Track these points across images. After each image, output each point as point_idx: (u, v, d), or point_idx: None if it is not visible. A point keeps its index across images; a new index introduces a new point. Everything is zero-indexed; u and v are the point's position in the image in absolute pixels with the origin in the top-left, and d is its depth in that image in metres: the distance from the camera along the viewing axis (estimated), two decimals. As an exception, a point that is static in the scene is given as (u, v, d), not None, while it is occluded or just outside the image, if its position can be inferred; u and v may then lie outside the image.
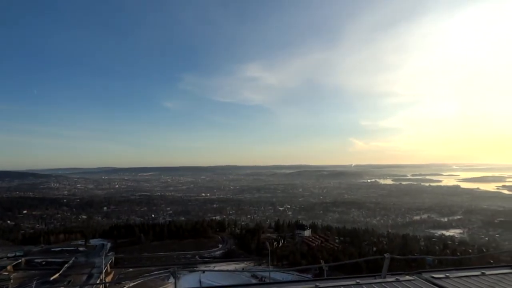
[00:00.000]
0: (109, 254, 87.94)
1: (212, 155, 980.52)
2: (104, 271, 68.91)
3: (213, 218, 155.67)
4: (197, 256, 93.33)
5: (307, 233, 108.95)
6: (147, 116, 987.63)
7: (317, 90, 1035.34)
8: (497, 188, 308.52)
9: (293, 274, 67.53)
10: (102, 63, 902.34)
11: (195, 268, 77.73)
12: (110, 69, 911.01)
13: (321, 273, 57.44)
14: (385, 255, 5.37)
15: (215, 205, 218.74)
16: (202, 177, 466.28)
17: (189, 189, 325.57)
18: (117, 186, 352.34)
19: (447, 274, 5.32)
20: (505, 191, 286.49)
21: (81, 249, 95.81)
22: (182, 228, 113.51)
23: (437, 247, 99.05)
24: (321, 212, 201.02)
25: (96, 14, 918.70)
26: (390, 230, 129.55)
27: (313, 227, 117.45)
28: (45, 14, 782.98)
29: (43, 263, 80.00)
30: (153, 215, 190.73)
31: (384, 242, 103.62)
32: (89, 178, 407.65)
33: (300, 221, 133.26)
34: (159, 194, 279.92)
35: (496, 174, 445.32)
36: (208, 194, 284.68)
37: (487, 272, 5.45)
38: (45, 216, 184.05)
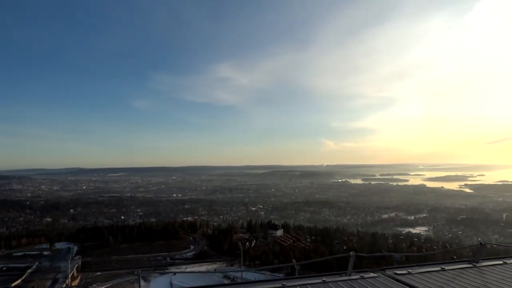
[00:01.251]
0: (75, 258, 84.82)
1: (183, 156, 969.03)
2: (70, 275, 66.37)
3: (185, 219, 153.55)
4: (168, 258, 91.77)
5: (279, 233, 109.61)
6: (117, 116, 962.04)
7: (288, 91, 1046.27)
8: (460, 187, 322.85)
9: (265, 274, 67.66)
10: (68, 60, 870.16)
11: (166, 270, 76.38)
12: (77, 67, 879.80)
13: (293, 272, 57.92)
14: (350, 253, 5.44)
15: (187, 206, 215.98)
16: (174, 177, 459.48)
17: (160, 190, 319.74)
18: (84, 187, 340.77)
19: (409, 270, 5.55)
20: (467, 190, 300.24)
21: (45, 253, 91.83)
22: (152, 229, 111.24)
23: (404, 244, 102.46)
24: (293, 211, 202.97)
25: (63, 11, 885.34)
26: (360, 229, 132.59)
27: (285, 227, 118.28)
28: (9, 10, 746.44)
29: (4, 268, 76.05)
30: (122, 217, 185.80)
31: (354, 241, 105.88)
32: (55, 179, 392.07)
33: (273, 221, 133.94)
34: (129, 195, 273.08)
35: (459, 173, 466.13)
36: (180, 195, 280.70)
37: (447, 268, 5.78)
38: (6, 219, 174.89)
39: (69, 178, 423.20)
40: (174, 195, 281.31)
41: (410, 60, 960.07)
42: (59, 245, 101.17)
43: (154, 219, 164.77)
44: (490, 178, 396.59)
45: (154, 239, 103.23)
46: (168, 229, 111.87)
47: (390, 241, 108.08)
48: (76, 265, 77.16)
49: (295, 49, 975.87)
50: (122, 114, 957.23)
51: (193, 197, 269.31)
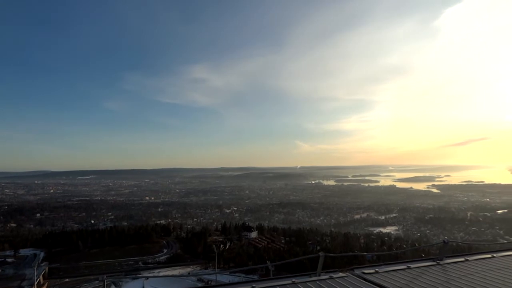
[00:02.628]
0: (42, 264, 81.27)
1: (157, 158, 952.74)
2: (36, 282, 63.51)
3: (158, 222, 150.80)
4: (140, 262, 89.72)
5: (253, 234, 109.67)
6: (87, 117, 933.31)
7: (263, 93, 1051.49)
8: (428, 187, 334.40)
9: (239, 276, 67.43)
10: (36, 59, 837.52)
11: (138, 275, 74.62)
12: (45, 66, 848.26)
13: (268, 273, 58.00)
14: (319, 253, 5.58)
15: (160, 209, 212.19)
16: (146, 180, 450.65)
17: (132, 193, 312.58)
18: (52, 191, 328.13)
19: (377, 269, 5.78)
20: (434, 190, 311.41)
21: (9, 260, 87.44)
22: (124, 233, 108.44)
23: (375, 244, 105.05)
24: (268, 213, 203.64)
25: (32, 10, 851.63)
26: (333, 229, 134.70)
27: (260, 229, 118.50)
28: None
29: (-37, 277, 71.89)
30: (92, 221, 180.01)
31: (327, 241, 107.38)
32: (20, 183, 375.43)
33: (247, 223, 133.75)
34: (99, 198, 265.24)
35: (427, 174, 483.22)
36: (153, 198, 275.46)
37: (412, 266, 6.06)
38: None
39: (36, 182, 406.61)
40: (147, 198, 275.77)
41: (382, 64, 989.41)
42: (24, 252, 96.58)
43: (125, 223, 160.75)
44: (456, 178, 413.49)
45: (126, 243, 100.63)
46: (141, 232, 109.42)
47: (362, 240, 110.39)
48: (43, 272, 73.98)
49: (269, 51, 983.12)
50: (93, 115, 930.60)
51: (167, 199, 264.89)
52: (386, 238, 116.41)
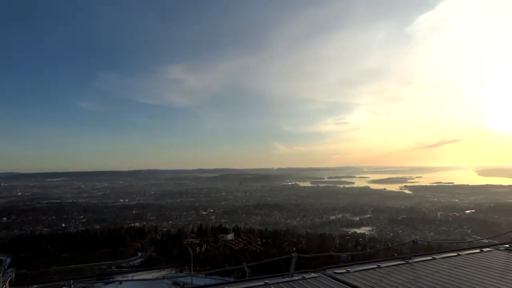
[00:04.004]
0: (8, 270, 77.95)
1: (132, 159, 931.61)
2: (1, 289, 60.85)
3: (132, 225, 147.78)
4: (113, 266, 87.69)
5: (230, 236, 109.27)
6: (58, 116, 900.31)
7: (241, 94, 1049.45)
8: (400, 189, 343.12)
9: (215, 278, 66.93)
10: (3, 58, 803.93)
11: (111, 279, 72.80)
12: (13, 65, 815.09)
13: (244, 275, 57.80)
14: (292, 254, 5.66)
15: (134, 211, 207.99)
16: (121, 182, 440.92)
17: (105, 195, 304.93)
18: (20, 193, 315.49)
19: (348, 269, 5.94)
20: (407, 191, 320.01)
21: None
22: (97, 237, 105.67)
23: (350, 244, 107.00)
24: (244, 215, 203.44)
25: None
26: (309, 230, 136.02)
27: (236, 231, 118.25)
28: None
29: None
30: (63, 225, 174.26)
31: (303, 242, 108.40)
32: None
33: (223, 225, 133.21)
34: (70, 201, 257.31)
35: (400, 175, 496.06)
36: (127, 200, 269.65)
37: (382, 265, 6.27)
38: None
39: (2, 184, 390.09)
40: (121, 200, 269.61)
41: (358, 68, 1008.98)
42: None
43: (98, 226, 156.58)
44: (427, 180, 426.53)
45: (99, 247, 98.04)
46: (114, 236, 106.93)
47: (337, 241, 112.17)
48: (9, 278, 70.97)
49: (248, 53, 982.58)
50: (65, 115, 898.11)
51: (141, 202, 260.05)
52: (361, 239, 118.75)
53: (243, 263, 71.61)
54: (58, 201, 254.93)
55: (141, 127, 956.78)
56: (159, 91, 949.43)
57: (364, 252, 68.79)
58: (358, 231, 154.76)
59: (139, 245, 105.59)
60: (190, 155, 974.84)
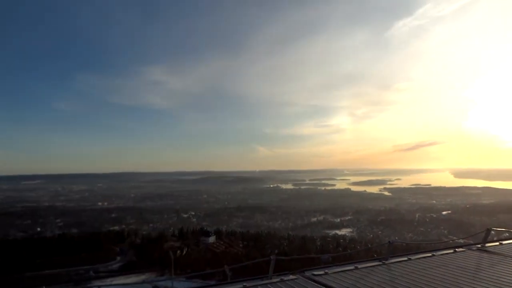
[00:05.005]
0: (-21, 276, 75.12)
1: (110, 161, 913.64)
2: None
3: (111, 228, 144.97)
4: (91, 271, 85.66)
5: (211, 239, 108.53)
6: (33, 117, 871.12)
7: (222, 96, 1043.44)
8: (380, 190, 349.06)
9: (196, 282, 66.25)
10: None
11: (88, 285, 71.13)
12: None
13: (226, 278, 57.39)
14: (271, 256, 5.71)
15: (113, 215, 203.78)
16: (99, 184, 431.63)
17: (83, 198, 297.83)
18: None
19: (326, 271, 5.97)
20: (386, 193, 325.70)
21: None
22: (74, 241, 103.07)
23: (331, 246, 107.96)
24: (226, 217, 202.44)
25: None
26: (290, 232, 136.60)
27: (218, 233, 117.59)
28: None
29: None
30: (38, 229, 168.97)
31: (285, 244, 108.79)
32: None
33: (205, 228, 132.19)
34: (47, 204, 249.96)
35: (379, 178, 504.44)
36: (106, 203, 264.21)
37: (360, 266, 6.34)
38: None
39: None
40: (99, 203, 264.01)
41: (337, 71, 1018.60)
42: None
43: (76, 230, 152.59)
44: (406, 181, 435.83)
45: (76, 252, 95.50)
46: (92, 240, 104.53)
47: (319, 243, 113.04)
48: (-19, 285, 68.35)
49: (228, 55, 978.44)
50: (40, 115, 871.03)
51: (121, 205, 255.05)
52: (341, 240, 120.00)
53: (225, 266, 71.28)
54: (34, 204, 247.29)
55: (120, 129, 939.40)
56: (138, 92, 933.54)
57: (344, 253, 69.59)
58: (339, 232, 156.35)
59: (118, 249, 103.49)
60: (171, 157, 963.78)
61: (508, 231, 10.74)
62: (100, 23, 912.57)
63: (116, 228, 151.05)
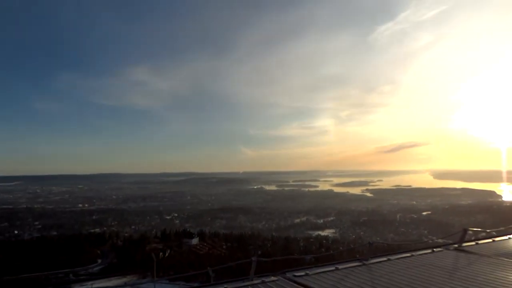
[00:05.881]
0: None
1: (92, 162, 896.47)
2: None
3: (92, 231, 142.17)
4: (71, 275, 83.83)
5: (194, 241, 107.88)
6: (13, 117, 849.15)
7: (207, 98, 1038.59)
8: (362, 192, 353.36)
9: (179, 284, 65.76)
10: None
11: (68, 288, 69.63)
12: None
13: (209, 279, 57.10)
14: (252, 258, 5.80)
15: (94, 217, 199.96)
16: (80, 186, 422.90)
17: (63, 200, 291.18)
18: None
19: (307, 272, 6.03)
20: (368, 194, 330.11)
21: None
22: (53, 244, 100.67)
23: (314, 247, 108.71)
24: (209, 219, 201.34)
25: None
26: (274, 233, 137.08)
27: (201, 235, 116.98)
28: None
29: None
30: (16, 232, 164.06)
31: (269, 245, 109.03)
32: None
33: (188, 229, 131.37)
34: (25, 206, 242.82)
35: (362, 179, 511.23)
36: (87, 205, 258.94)
37: (340, 267, 6.43)
38: None
39: None
40: (80, 205, 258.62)
41: (322, 73, 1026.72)
42: None
43: (55, 232, 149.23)
44: (387, 183, 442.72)
45: (55, 255, 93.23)
46: (72, 242, 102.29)
47: (302, 244, 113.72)
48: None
49: (214, 57, 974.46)
50: (19, 115, 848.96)
51: (102, 206, 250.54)
52: (324, 241, 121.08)
53: (208, 267, 70.88)
54: (11, 206, 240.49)
55: (102, 130, 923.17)
56: (121, 93, 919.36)
57: (327, 254, 70.29)
58: (322, 233, 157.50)
59: (99, 251, 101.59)
60: (154, 159, 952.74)
61: (484, 231, 11.11)
62: (82, 22, 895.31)
63: (97, 230, 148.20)
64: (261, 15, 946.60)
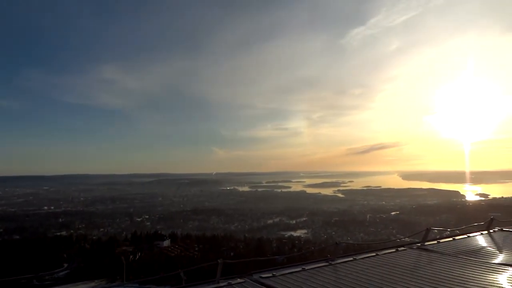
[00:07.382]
0: None
1: (58, 163, 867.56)
2: None
3: (58, 234, 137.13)
4: (35, 280, 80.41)
5: (166, 243, 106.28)
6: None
7: (180, 98, 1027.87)
8: (334, 192, 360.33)
9: (150, 287, 64.45)
10: None
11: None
12: None
13: (180, 282, 56.39)
14: (218, 260, 5.74)
15: (60, 220, 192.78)
16: (45, 187, 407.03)
17: (27, 202, 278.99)
18: None
19: (274, 273, 6.07)
20: (339, 195, 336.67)
21: None
22: (15, 247, 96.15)
23: (286, 247, 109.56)
24: (181, 221, 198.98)
25: None
26: (246, 235, 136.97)
27: (173, 237, 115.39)
28: None
29: None
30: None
31: (241, 246, 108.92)
32: None
33: (159, 231, 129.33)
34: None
35: (333, 180, 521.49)
36: (52, 207, 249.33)
37: (307, 267, 6.51)
38: None
39: None
40: (45, 207, 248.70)
41: (295, 75, 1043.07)
42: None
43: (18, 236, 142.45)
44: (358, 184, 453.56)
45: (18, 259, 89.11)
46: (36, 246, 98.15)
47: (274, 244, 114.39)
48: None
49: (188, 56, 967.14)
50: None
51: (69, 209, 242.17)
52: (297, 241, 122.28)
53: (179, 270, 69.94)
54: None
55: (69, 129, 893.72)
56: (90, 91, 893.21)
57: (298, 253, 70.96)
58: (295, 234, 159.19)
59: (65, 255, 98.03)
60: (124, 159, 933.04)
61: (446, 230, 11.61)
62: (48, 16, 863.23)
63: (64, 233, 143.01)
64: (236, 16, 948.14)
